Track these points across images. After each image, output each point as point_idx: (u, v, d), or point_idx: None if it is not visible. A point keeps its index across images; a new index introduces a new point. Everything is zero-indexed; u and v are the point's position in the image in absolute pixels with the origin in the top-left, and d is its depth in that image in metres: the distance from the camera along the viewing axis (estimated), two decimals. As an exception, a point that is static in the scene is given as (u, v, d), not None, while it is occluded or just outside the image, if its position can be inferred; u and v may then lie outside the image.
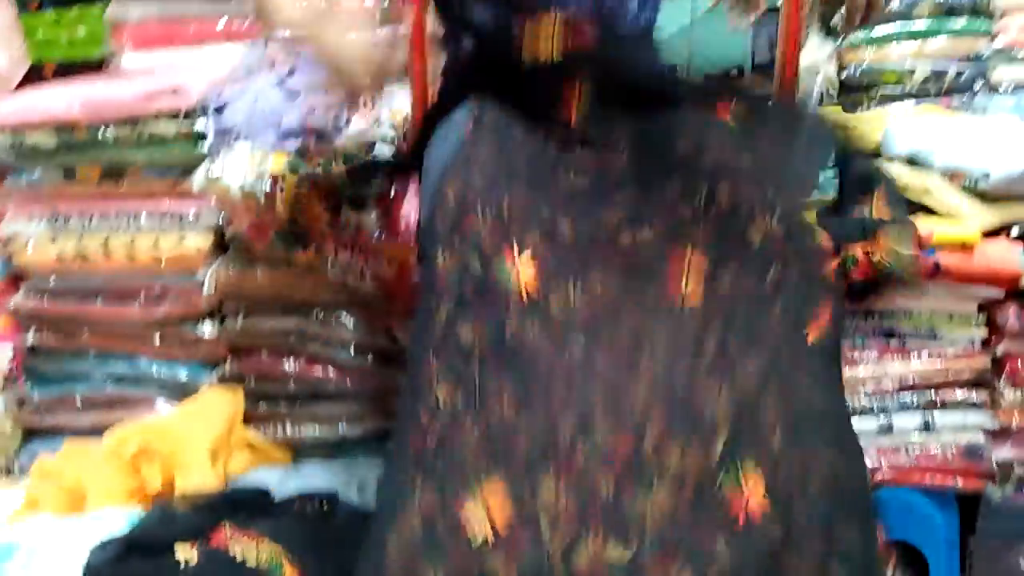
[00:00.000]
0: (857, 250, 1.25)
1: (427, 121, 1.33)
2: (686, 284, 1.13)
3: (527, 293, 1.04)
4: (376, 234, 1.56)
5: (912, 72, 1.85)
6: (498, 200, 1.07)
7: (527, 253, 1.04)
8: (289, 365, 1.66)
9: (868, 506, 1.12)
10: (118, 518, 1.32)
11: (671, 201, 1.20)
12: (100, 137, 1.59)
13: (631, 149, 1.27)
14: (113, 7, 1.80)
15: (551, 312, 1.04)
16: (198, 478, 1.49)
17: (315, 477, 1.58)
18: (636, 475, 0.97)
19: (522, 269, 1.04)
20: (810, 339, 1.10)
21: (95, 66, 1.85)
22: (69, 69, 1.86)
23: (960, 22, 1.83)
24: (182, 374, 1.69)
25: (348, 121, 1.66)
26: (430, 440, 0.99)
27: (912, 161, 1.47)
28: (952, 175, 1.34)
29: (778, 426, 1.04)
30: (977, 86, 1.86)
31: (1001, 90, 1.83)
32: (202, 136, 1.59)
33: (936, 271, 1.25)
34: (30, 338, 1.68)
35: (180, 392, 1.67)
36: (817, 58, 1.83)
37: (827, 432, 1.09)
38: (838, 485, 1.07)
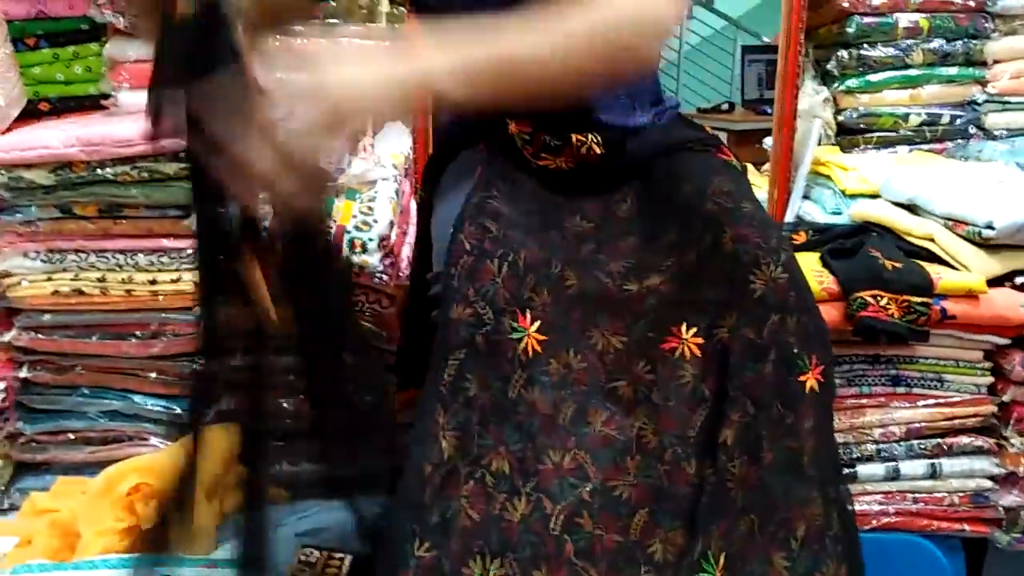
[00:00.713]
0: (866, 295, 1.26)
1: (435, 163, 1.33)
2: (687, 334, 1.14)
3: (534, 350, 1.04)
4: (378, 273, 1.55)
5: (907, 117, 1.88)
6: (514, 252, 1.06)
7: (539, 311, 1.05)
8: (287, 402, 1.63)
9: (857, 554, 1.13)
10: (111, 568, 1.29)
11: (676, 248, 1.21)
12: (99, 175, 1.57)
13: (636, 193, 1.28)
14: (111, 45, 1.79)
15: (553, 371, 1.05)
16: (194, 517, 1.46)
17: (312, 516, 1.55)
18: (622, 565, 1.01)
19: (531, 328, 1.05)
20: (807, 387, 1.11)
21: (92, 103, 1.84)
22: (66, 106, 1.85)
23: (953, 69, 1.88)
24: (177, 411, 1.65)
25: (349, 162, 1.66)
26: (429, 494, 0.99)
27: (912, 208, 1.48)
28: (954, 223, 1.35)
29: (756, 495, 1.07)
30: (971, 132, 1.89)
31: (995, 135, 1.87)
32: (203, 174, 1.57)
33: (943, 318, 1.26)
34: (23, 373, 1.65)
35: (175, 430, 1.64)
36: (813, 102, 1.86)
37: (817, 482, 1.10)
38: (823, 534, 1.08)
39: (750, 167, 2.30)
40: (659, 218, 1.23)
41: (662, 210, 1.24)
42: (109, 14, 1.76)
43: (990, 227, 1.27)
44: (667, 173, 1.28)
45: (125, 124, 1.59)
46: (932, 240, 1.39)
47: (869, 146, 1.89)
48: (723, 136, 3.71)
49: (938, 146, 1.89)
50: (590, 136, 1.26)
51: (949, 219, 1.36)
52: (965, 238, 1.34)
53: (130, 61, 1.80)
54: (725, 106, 3.86)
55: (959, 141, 1.89)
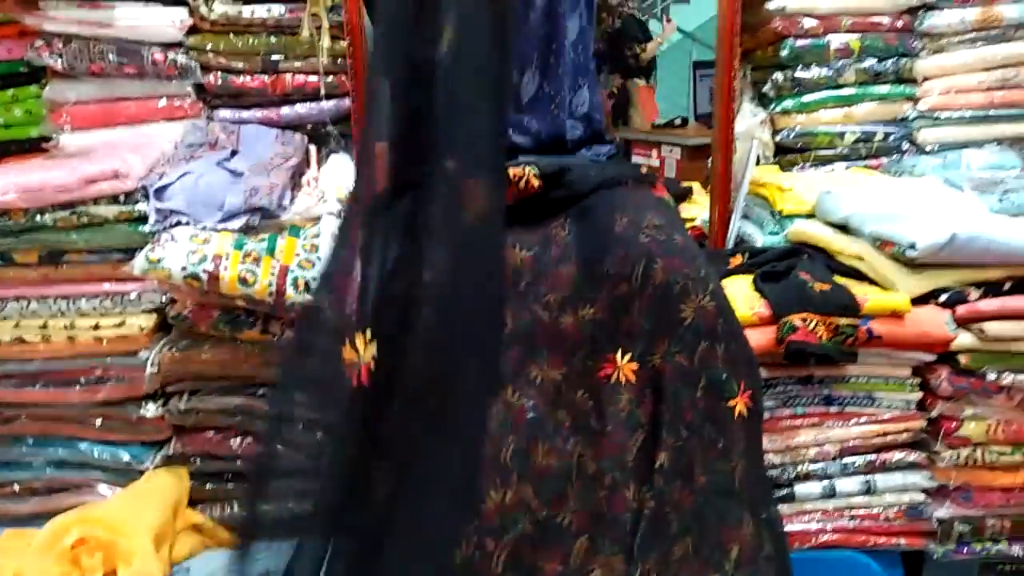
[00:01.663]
0: (795, 319, 1.29)
1: (374, 208, 1.34)
2: (622, 360, 1.17)
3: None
4: (322, 309, 1.55)
5: (842, 135, 1.93)
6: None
7: None
8: (236, 443, 1.63)
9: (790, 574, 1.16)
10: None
11: (610, 277, 1.23)
12: (38, 222, 1.56)
13: (574, 221, 1.31)
14: (51, 88, 1.79)
15: (493, 412, 1.07)
16: (141, 567, 1.44)
17: (265, 559, 1.55)
18: None
19: None
20: (736, 412, 1.14)
21: (33, 146, 1.83)
22: (6, 150, 1.84)
23: (885, 88, 1.92)
24: (124, 456, 1.64)
25: (293, 199, 1.67)
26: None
27: (844, 227, 1.52)
28: (882, 243, 1.38)
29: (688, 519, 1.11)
30: (904, 147, 1.94)
31: (927, 150, 1.92)
32: (143, 218, 1.57)
33: (870, 338, 1.29)
34: (-35, 425, 1.63)
35: (123, 475, 1.63)
36: (751, 124, 1.90)
37: (749, 504, 1.14)
38: (756, 556, 1.11)
39: (696, 186, 2.34)
40: (595, 248, 1.26)
41: (598, 240, 1.27)
42: (47, 56, 1.76)
43: (913, 247, 1.31)
44: (604, 205, 1.31)
45: (63, 169, 1.59)
46: (861, 260, 1.42)
47: (807, 164, 1.93)
48: (676, 151, 3.76)
49: (874, 162, 1.93)
50: (528, 169, 1.29)
51: (878, 239, 1.40)
52: (892, 257, 1.37)
53: (70, 103, 1.80)
54: (678, 121, 3.90)
55: (894, 157, 1.93)
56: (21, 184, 1.55)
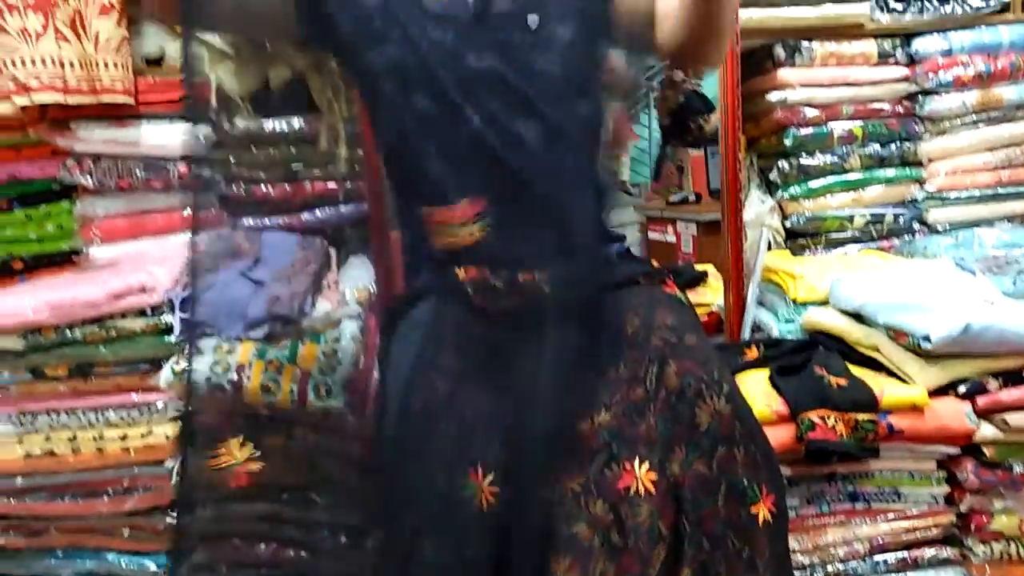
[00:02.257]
0: (813, 415, 1.29)
1: (392, 314, 1.37)
2: (640, 470, 1.16)
3: (488, 503, 1.06)
4: (343, 414, 1.57)
5: (852, 218, 1.95)
6: (462, 411, 1.10)
7: (490, 466, 1.07)
8: (262, 550, 1.63)
9: None
10: None
11: (624, 382, 1.24)
12: (68, 337, 1.61)
13: (585, 327, 1.32)
14: (81, 203, 1.86)
15: (510, 524, 1.07)
16: None
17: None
18: None
19: (484, 481, 1.07)
20: (760, 519, 1.13)
21: (65, 259, 1.90)
22: (39, 263, 1.90)
23: (891, 171, 1.95)
24: (151, 566, 1.65)
25: (314, 303, 1.70)
26: None
27: (859, 316, 1.52)
28: (896, 333, 1.39)
29: None
30: (915, 228, 1.96)
31: (939, 230, 1.94)
32: (169, 329, 1.61)
33: (891, 433, 1.28)
34: (-5, 539, 1.65)
35: (149, 585, 1.64)
36: (760, 211, 1.93)
37: None
38: None
39: (711, 268, 2.36)
40: (608, 352, 1.27)
41: (610, 344, 1.28)
42: (78, 174, 1.84)
43: (927, 339, 1.31)
44: (614, 307, 1.32)
45: (92, 285, 1.64)
46: (878, 351, 1.43)
47: (819, 248, 1.95)
48: (692, 227, 3.80)
49: (885, 243, 1.95)
50: (537, 275, 1.31)
51: (892, 330, 1.40)
52: (908, 348, 1.37)
53: (99, 218, 1.87)
54: (692, 197, 3.95)
55: (905, 237, 1.95)
56: (52, 301, 1.60)
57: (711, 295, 2.14)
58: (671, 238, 3.91)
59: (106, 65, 1.77)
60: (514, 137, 1.16)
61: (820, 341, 1.51)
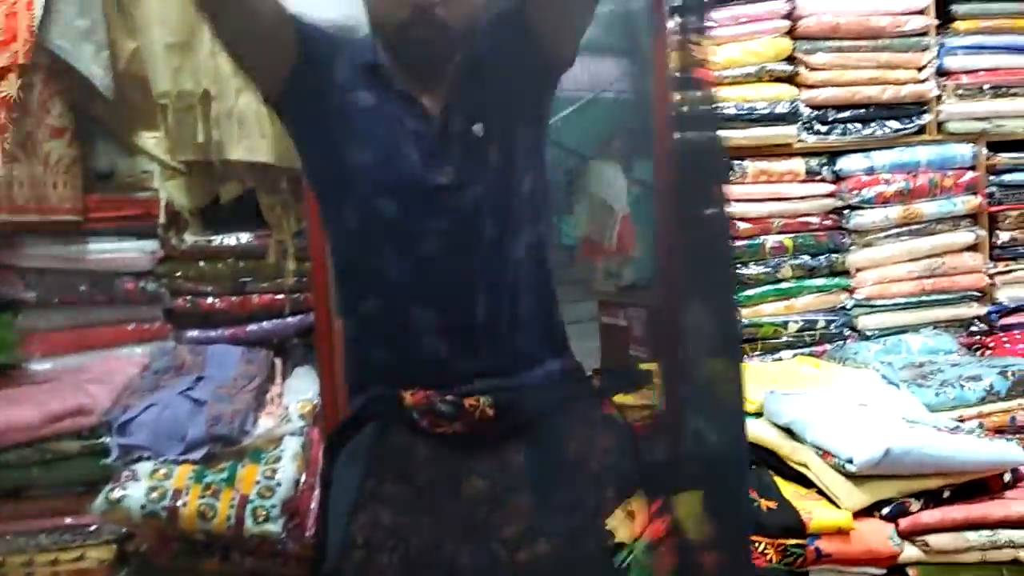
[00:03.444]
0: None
1: (337, 438, 1.37)
2: None
3: None
4: (281, 539, 1.56)
5: (786, 325, 2.02)
6: (405, 542, 1.10)
7: None
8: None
9: None
10: None
11: (565, 509, 1.25)
12: (1, 460, 1.58)
13: (527, 451, 1.33)
14: (23, 317, 1.86)
15: None
16: None
17: None
18: None
19: None
20: None
21: (1, 371, 1.88)
22: (-24, 376, 1.88)
23: (821, 280, 2.04)
24: None
25: (256, 420, 1.70)
26: None
27: (790, 431, 1.57)
28: (823, 453, 1.43)
29: None
30: (846, 333, 2.03)
31: (868, 335, 2.01)
32: (106, 452, 1.60)
33: (819, 557, 1.31)
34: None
35: None
36: (700, 319, 1.98)
37: None
38: None
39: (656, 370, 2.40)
40: (549, 477, 1.28)
41: (551, 469, 1.29)
42: (22, 290, 1.84)
43: (851, 462, 1.35)
44: (554, 431, 1.33)
45: (28, 406, 1.62)
46: (807, 467, 1.46)
47: (755, 354, 2.01)
48: (642, 313, 3.85)
49: (818, 348, 2.01)
50: (482, 400, 1.31)
51: (819, 449, 1.45)
52: (834, 468, 1.41)
53: (41, 331, 1.87)
54: (644, 281, 4.02)
55: (836, 343, 2.02)
56: (-14, 424, 1.58)
57: (656, 395, 2.18)
58: (623, 323, 3.96)
59: (55, 185, 1.80)
60: (467, 248, 1.18)
61: (753, 456, 1.54)
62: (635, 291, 3.97)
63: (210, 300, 1.92)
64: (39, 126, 1.80)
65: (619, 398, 2.19)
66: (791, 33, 2.07)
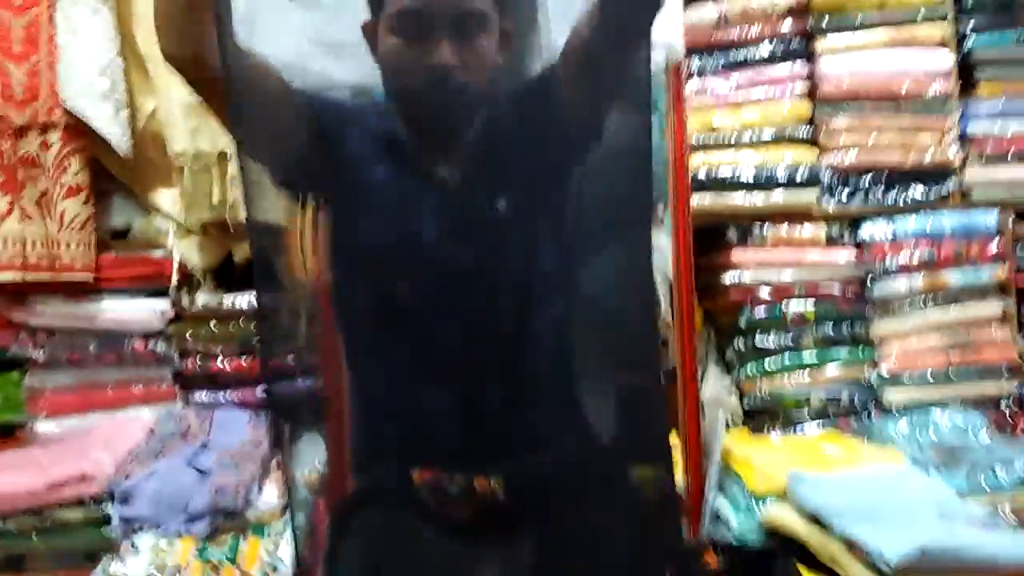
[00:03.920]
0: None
1: (340, 518, 1.33)
2: None
3: None
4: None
5: (808, 398, 1.96)
6: None
7: None
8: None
9: None
10: None
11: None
12: (1, 527, 1.55)
13: (539, 543, 1.28)
14: (31, 376, 1.84)
15: None
16: None
17: None
18: None
19: None
20: None
21: (7, 431, 1.85)
22: (-19, 434, 1.86)
23: (844, 351, 1.98)
24: None
25: (260, 490, 1.66)
26: None
27: (816, 519, 1.50)
28: (854, 547, 1.37)
29: None
30: (871, 408, 1.97)
31: (893, 411, 1.95)
32: (108, 520, 1.56)
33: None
34: None
35: None
36: (718, 391, 1.93)
37: None
38: None
39: (678, 444, 2.34)
40: (560, 571, 1.23)
41: (562, 561, 1.24)
42: (31, 349, 1.82)
43: (884, 560, 1.29)
44: (564, 519, 1.28)
45: (30, 472, 1.59)
46: (835, 562, 1.40)
47: (776, 427, 1.95)
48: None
49: (842, 423, 1.95)
50: (493, 481, 1.27)
51: (850, 543, 1.38)
52: (866, 564, 1.35)
53: (48, 391, 1.84)
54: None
55: (862, 418, 1.95)
56: (-13, 490, 1.55)
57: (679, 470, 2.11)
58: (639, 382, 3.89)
59: (68, 245, 1.79)
60: (484, 328, 1.13)
61: (779, 546, 1.48)
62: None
63: (219, 362, 1.89)
64: (55, 184, 1.80)
65: (640, 472, 2.13)
66: (811, 96, 2.05)
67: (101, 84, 1.81)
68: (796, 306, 1.96)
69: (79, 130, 1.82)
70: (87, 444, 1.69)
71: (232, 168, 1.84)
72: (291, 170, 1.10)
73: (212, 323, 1.88)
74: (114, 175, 1.92)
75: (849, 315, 1.98)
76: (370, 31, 1.11)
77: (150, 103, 1.89)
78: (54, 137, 1.81)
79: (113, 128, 1.81)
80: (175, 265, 1.86)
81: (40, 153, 1.80)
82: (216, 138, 1.83)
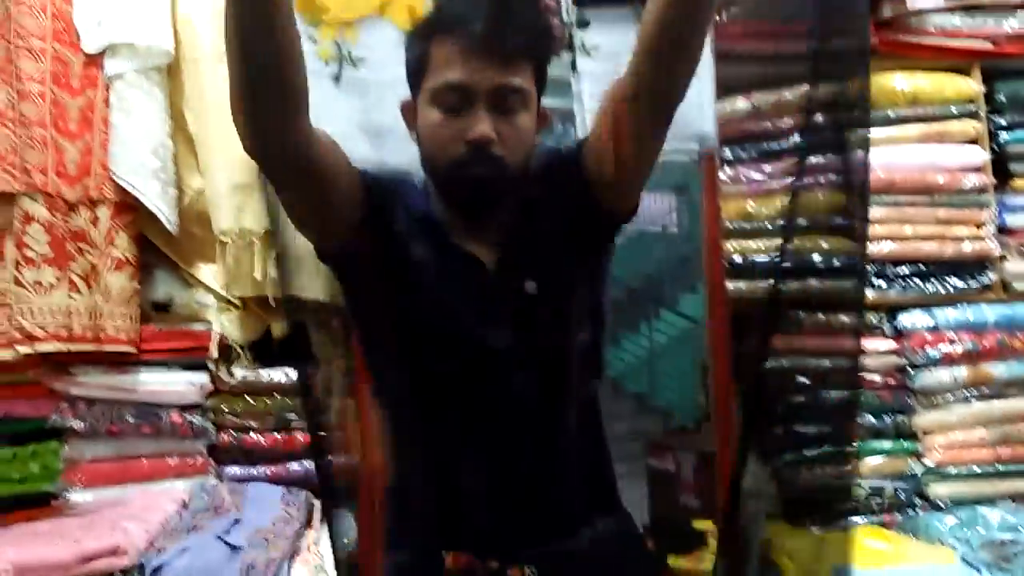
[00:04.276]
0: None
1: None
2: None
3: None
4: None
5: (852, 491, 1.91)
6: None
7: None
8: None
9: None
10: None
11: None
12: (30, 600, 1.53)
13: None
14: (70, 447, 1.84)
15: None
16: None
17: None
18: None
19: None
20: None
21: (43, 501, 1.85)
22: (17, 504, 1.85)
23: (887, 443, 1.94)
24: None
25: (290, 569, 1.63)
26: None
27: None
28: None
29: None
30: (917, 502, 1.91)
31: (940, 506, 1.89)
32: (137, 597, 1.54)
33: None
34: None
35: None
36: (757, 477, 1.89)
37: None
38: None
39: (715, 532, 2.27)
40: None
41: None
42: (71, 418, 1.83)
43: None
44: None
45: (63, 544, 1.58)
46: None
47: (817, 519, 1.89)
48: (690, 457, 3.71)
49: (887, 518, 1.89)
50: (527, 570, 1.24)
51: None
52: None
53: (85, 461, 1.85)
54: (692, 424, 3.90)
55: (907, 512, 1.89)
56: (19, 561, 1.54)
57: (710, 559, 2.05)
58: (671, 467, 3.83)
59: (113, 316, 1.83)
60: (517, 409, 1.12)
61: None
62: (684, 434, 3.84)
63: (254, 436, 1.89)
64: (103, 257, 1.85)
65: (673, 561, 2.07)
66: (845, 186, 2.06)
67: (152, 163, 1.87)
68: (835, 395, 1.93)
69: (128, 205, 1.87)
70: (120, 516, 1.69)
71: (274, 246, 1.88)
72: (342, 244, 1.11)
73: (248, 397, 1.89)
74: (158, 249, 1.97)
75: (891, 406, 1.94)
76: (409, 111, 1.13)
77: (197, 181, 1.95)
78: (103, 212, 1.86)
79: (161, 204, 1.87)
80: (215, 338, 1.89)
81: (90, 228, 1.85)
82: (260, 216, 1.88)
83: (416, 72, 1.10)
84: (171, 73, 1.92)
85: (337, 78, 1.84)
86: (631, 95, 1.04)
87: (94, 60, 1.87)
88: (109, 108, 1.87)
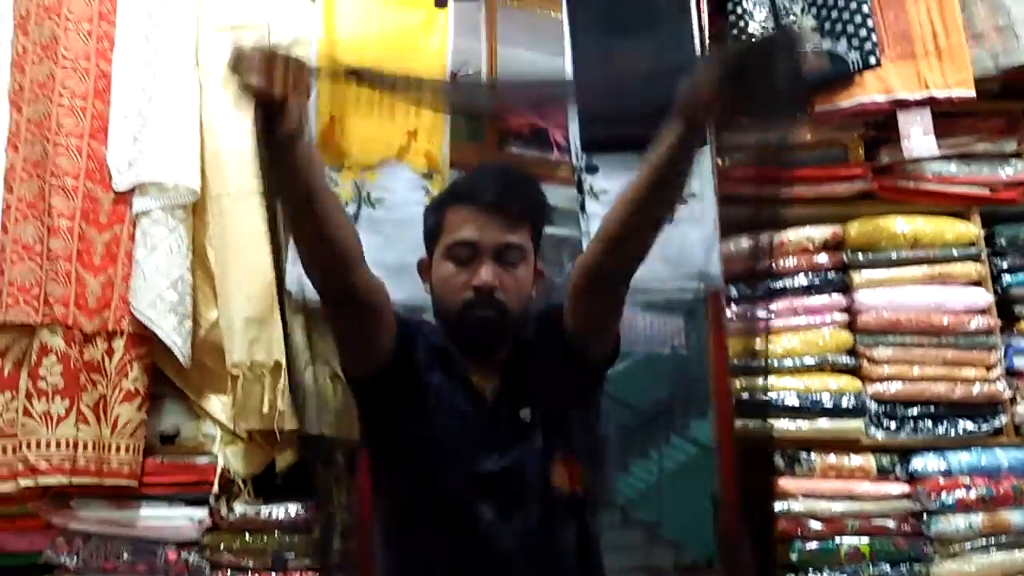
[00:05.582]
0: None
1: None
2: None
3: None
4: None
5: None
6: None
7: None
8: None
9: None
10: None
11: None
12: None
13: None
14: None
15: None
16: None
17: None
18: None
19: None
20: None
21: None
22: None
23: None
24: None
25: None
26: None
27: None
28: None
29: None
30: None
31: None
32: None
33: None
34: None
35: None
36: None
37: None
38: None
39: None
40: None
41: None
42: (64, 555, 1.80)
43: None
44: None
45: None
46: None
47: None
48: (705, 599, 3.58)
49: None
50: None
51: None
52: None
53: (73, 587, 1.79)
54: (704, 562, 3.79)
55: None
56: None
57: None
58: None
59: (117, 449, 1.82)
60: (512, 529, 1.22)
61: None
62: (695, 570, 3.71)
63: (249, 575, 1.84)
64: (114, 389, 1.85)
65: None
66: (851, 327, 2.07)
67: (170, 296, 1.90)
68: (849, 540, 1.88)
69: (143, 337, 1.89)
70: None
71: (284, 379, 1.89)
72: (375, 370, 1.27)
73: (246, 534, 1.85)
74: (167, 380, 1.98)
75: (908, 554, 1.88)
76: (424, 268, 1.33)
77: (212, 313, 1.98)
78: (118, 344, 1.88)
79: (176, 338, 1.89)
80: (217, 472, 1.87)
81: (104, 359, 1.87)
82: (271, 350, 1.90)
83: (433, 234, 1.30)
84: (195, 208, 1.98)
85: (356, 217, 1.91)
86: (592, 270, 1.23)
87: (123, 197, 1.93)
88: (134, 243, 1.91)
